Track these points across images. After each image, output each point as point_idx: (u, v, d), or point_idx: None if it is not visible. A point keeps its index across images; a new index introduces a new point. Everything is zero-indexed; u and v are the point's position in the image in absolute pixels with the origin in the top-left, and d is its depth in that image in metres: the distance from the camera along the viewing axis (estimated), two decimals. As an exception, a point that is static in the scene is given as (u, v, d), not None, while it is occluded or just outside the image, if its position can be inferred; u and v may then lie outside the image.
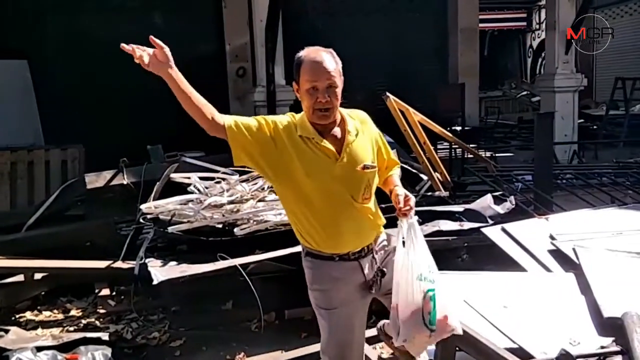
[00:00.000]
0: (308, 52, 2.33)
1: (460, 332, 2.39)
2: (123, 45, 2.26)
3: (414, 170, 5.70)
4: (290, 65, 8.16)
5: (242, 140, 2.27)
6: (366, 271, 2.45)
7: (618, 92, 11.78)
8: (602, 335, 3.47)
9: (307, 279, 2.54)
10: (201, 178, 5.36)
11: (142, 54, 2.24)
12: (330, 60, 2.31)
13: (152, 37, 2.24)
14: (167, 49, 2.24)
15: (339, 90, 2.31)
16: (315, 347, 3.41)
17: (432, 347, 3.38)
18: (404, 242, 2.30)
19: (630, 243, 4.50)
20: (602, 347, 3.33)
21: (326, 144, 2.33)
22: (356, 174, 2.35)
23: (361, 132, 2.43)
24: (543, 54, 14.20)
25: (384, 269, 2.46)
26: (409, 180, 5.58)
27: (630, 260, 4.17)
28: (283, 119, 2.37)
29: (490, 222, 5.00)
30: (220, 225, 4.68)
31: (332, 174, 2.32)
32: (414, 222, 2.31)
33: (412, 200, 2.36)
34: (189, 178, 5.34)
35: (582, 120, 11.35)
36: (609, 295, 3.69)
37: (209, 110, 2.34)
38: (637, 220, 5.02)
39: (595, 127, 12.17)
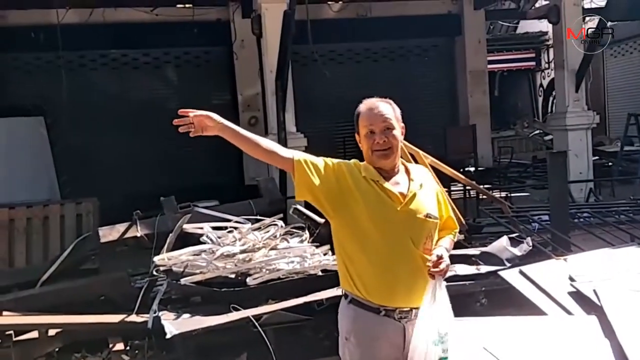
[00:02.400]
0: (365, 102, 2.49)
1: None
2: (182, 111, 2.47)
3: (427, 214, 5.65)
4: (300, 113, 8.28)
5: (308, 176, 2.34)
6: (408, 335, 2.34)
7: (631, 128, 11.72)
8: (628, 381, 3.35)
9: (343, 329, 2.44)
10: (213, 228, 5.36)
11: (195, 127, 2.41)
12: (386, 106, 2.46)
13: (180, 110, 2.42)
14: (209, 114, 2.40)
15: (396, 133, 2.43)
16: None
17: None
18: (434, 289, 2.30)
19: (653, 283, 4.38)
20: (630, 394, 3.21)
21: (390, 187, 2.40)
22: (418, 221, 2.37)
23: (425, 183, 2.49)
24: (554, 93, 14.23)
25: None
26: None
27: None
28: (347, 162, 2.48)
29: (508, 264, 4.92)
30: (232, 275, 4.65)
31: (395, 217, 2.35)
32: (440, 285, 2.29)
33: (445, 264, 2.33)
34: (201, 228, 5.34)
35: (596, 158, 11.27)
36: (635, 339, 3.57)
37: (273, 148, 2.43)
38: (658, 258, 4.91)
39: (610, 163, 12.07)
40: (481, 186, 8.58)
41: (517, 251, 5.11)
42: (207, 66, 9.70)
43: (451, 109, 11.46)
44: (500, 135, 15.74)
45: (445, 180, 7.66)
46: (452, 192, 8.56)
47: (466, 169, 9.92)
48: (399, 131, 2.44)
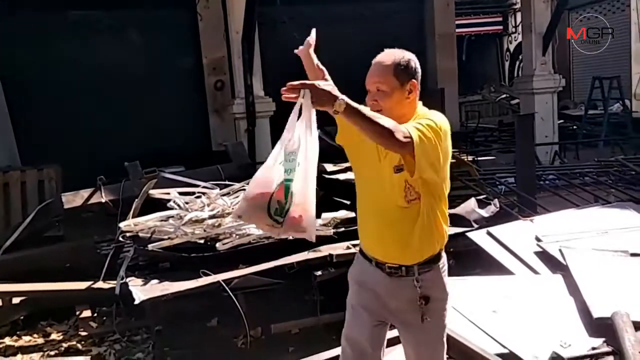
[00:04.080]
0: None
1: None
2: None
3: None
4: (268, 76, 8.10)
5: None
6: (394, 292, 2.31)
7: (596, 92, 11.89)
8: (592, 336, 3.44)
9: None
10: (181, 193, 5.27)
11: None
12: (383, 64, 2.26)
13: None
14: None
15: (387, 94, 2.23)
16: (303, 362, 3.33)
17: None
18: (299, 116, 2.02)
19: (616, 242, 4.49)
20: (593, 348, 3.30)
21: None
22: (393, 177, 2.23)
23: None
24: (520, 57, 14.30)
25: (428, 296, 2.28)
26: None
27: (617, 259, 4.16)
28: None
29: (475, 226, 4.98)
30: (201, 241, 4.60)
31: (374, 170, 2.30)
32: (307, 104, 1.98)
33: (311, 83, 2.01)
34: (168, 194, 5.25)
35: (561, 121, 11.43)
36: (598, 296, 3.66)
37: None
38: (622, 218, 5.02)
39: (575, 127, 12.27)
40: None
41: (484, 213, 5.17)
42: (170, 28, 9.39)
43: (421, 73, 11.42)
44: (467, 100, 15.83)
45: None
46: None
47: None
48: (395, 91, 2.23)
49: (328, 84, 2.05)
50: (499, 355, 3.03)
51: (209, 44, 9.12)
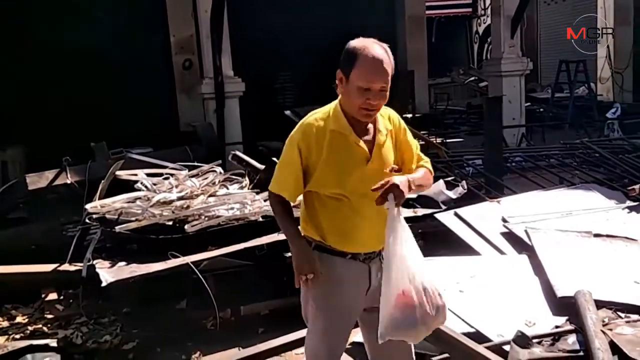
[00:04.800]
0: (366, 46, 2.20)
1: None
2: None
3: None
4: (237, 56, 7.99)
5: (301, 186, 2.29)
6: (373, 276, 2.33)
7: (562, 75, 12.07)
8: (556, 314, 3.52)
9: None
10: (148, 174, 5.19)
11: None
12: (388, 62, 2.20)
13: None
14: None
15: (387, 93, 2.21)
16: (272, 344, 3.34)
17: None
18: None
19: (580, 223, 4.59)
20: (557, 327, 3.38)
21: (360, 143, 2.25)
22: (384, 175, 2.21)
23: (389, 130, 2.35)
24: (489, 40, 14.40)
25: None
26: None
27: (581, 240, 4.26)
28: (308, 130, 2.24)
29: (443, 207, 5.04)
30: (170, 223, 4.55)
31: (363, 175, 2.23)
32: (392, 210, 2.14)
33: (392, 183, 2.13)
34: (135, 175, 5.17)
35: (528, 104, 11.58)
36: (562, 275, 3.75)
37: (288, 208, 2.35)
38: (586, 200, 5.14)
39: (541, 109, 12.45)
40: (418, 132, 8.68)
41: (452, 194, 5.23)
42: (136, 6, 9.17)
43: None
44: (436, 82, 15.91)
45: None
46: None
47: (404, 115, 9.98)
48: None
49: (402, 180, 2.17)
50: (465, 334, 3.08)
51: (177, 22, 8.93)
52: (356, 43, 2.22)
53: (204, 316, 4.35)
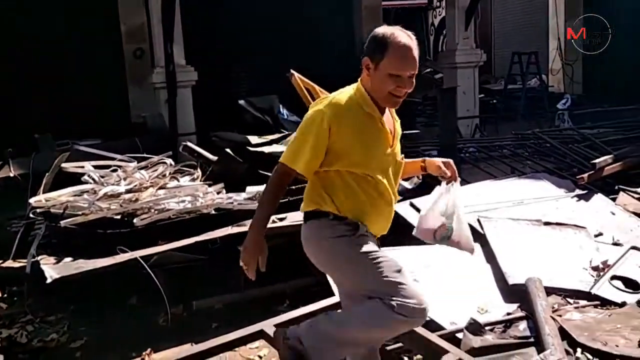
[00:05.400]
0: (396, 34, 2.25)
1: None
2: None
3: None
4: (190, 45, 7.77)
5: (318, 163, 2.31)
6: None
7: (515, 67, 12.28)
8: (508, 302, 3.56)
9: (347, 234, 2.34)
10: (95, 167, 5.04)
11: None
12: (416, 49, 2.28)
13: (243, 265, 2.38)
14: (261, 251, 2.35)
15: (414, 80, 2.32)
16: (226, 338, 3.26)
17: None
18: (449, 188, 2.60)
19: (531, 211, 4.66)
20: (508, 314, 3.42)
21: (386, 127, 2.37)
22: (398, 163, 2.46)
23: (398, 121, 2.51)
24: (444, 31, 14.54)
25: None
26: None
27: (531, 228, 4.32)
28: (340, 107, 2.29)
29: (399, 197, 5.02)
30: (118, 217, 4.42)
31: (385, 158, 2.37)
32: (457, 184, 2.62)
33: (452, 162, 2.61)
34: (82, 167, 5.00)
35: (482, 95, 11.73)
36: (513, 263, 3.79)
37: (284, 187, 2.39)
38: (536, 189, 5.22)
39: (495, 101, 12.65)
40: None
41: (407, 185, 5.24)
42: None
43: (348, 45, 11.35)
44: (393, 73, 15.95)
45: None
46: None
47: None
48: None
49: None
50: (419, 324, 3.08)
51: (127, 10, 8.67)
52: (384, 31, 2.28)
53: (155, 312, 4.24)
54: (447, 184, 2.61)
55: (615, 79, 10.96)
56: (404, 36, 2.25)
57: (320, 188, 2.36)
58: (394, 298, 2.18)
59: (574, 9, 12.45)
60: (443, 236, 2.68)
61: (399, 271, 2.27)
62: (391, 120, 2.43)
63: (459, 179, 2.63)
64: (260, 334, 3.12)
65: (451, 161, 2.60)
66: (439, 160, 2.61)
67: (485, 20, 16.31)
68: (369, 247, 2.32)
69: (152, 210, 4.47)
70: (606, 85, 11.07)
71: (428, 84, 14.53)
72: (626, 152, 6.32)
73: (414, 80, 2.30)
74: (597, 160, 5.82)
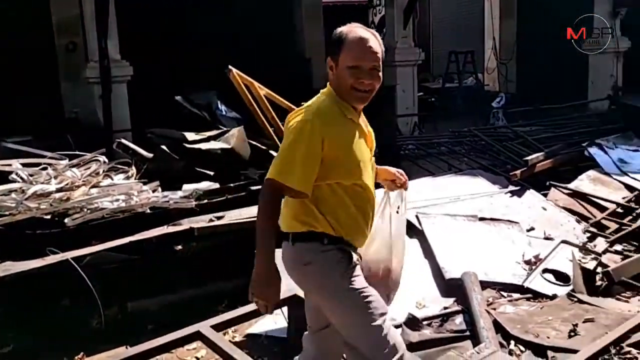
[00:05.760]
0: (352, 29, 2.20)
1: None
2: None
3: (263, 147, 5.57)
4: (125, 39, 7.54)
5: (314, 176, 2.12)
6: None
7: (452, 66, 12.54)
8: (445, 296, 3.63)
9: (342, 263, 2.17)
10: (24, 164, 4.82)
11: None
12: (376, 42, 2.20)
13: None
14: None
15: (380, 74, 2.21)
16: (162, 340, 3.18)
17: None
18: (397, 210, 2.47)
19: (467, 207, 4.77)
20: (445, 308, 3.48)
21: (367, 136, 2.28)
22: (373, 163, 2.34)
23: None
24: (384, 30, 14.70)
25: None
26: (259, 157, 5.44)
27: (467, 224, 4.42)
28: (329, 117, 2.14)
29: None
30: (48, 217, 4.24)
31: (369, 165, 2.27)
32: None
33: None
34: (9, 165, 4.77)
35: (421, 93, 11.93)
36: (450, 258, 3.86)
37: (278, 206, 2.15)
38: (472, 185, 5.35)
39: (433, 99, 12.89)
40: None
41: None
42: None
43: (288, 42, 11.31)
44: (335, 71, 16.01)
45: (282, 114, 7.60)
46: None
47: (302, 103, 9.92)
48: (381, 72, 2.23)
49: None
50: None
51: (59, 1, 8.33)
52: (342, 28, 2.23)
53: (88, 315, 4.10)
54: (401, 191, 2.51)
55: (546, 78, 11.38)
56: (361, 30, 2.21)
57: (311, 205, 2.15)
58: (376, 357, 2.12)
59: (510, 11, 12.84)
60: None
61: (383, 314, 2.16)
62: (364, 123, 2.31)
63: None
64: (198, 335, 3.06)
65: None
66: (392, 169, 2.51)
67: (424, 19, 16.61)
68: (359, 282, 2.18)
69: (85, 210, 4.34)
70: (538, 84, 11.46)
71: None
72: (556, 149, 6.58)
73: (380, 75, 2.20)
74: (529, 158, 6.02)
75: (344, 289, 2.15)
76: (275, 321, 3.56)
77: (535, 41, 11.79)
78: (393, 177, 2.49)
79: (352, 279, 2.16)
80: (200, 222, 4.28)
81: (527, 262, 4.12)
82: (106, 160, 5.17)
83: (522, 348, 3.11)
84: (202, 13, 9.62)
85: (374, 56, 2.17)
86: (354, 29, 2.20)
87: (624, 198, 5.50)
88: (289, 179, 2.05)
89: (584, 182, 5.74)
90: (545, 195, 5.41)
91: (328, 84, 2.26)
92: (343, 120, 2.18)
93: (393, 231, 2.44)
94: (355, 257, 2.21)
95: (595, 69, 10.09)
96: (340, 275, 2.15)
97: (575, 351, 2.92)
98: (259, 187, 4.85)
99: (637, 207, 5.20)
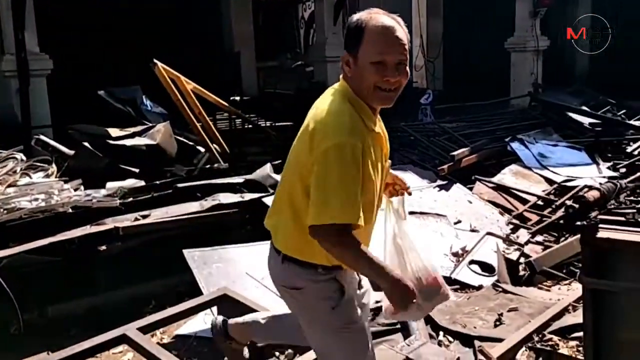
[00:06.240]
0: (373, 16, 1.85)
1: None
2: None
3: (190, 143, 5.46)
4: (44, 31, 7.18)
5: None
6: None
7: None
8: (375, 290, 3.63)
9: (333, 297, 1.95)
10: None
11: None
12: (402, 30, 1.86)
13: None
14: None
15: (408, 69, 1.88)
16: (86, 345, 3.05)
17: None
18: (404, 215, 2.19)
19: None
20: (377, 302, 3.50)
21: (383, 141, 1.95)
22: (386, 169, 2.03)
23: None
24: (314, 25, 14.73)
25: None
26: (186, 153, 5.33)
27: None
28: (359, 132, 1.80)
29: (271, 191, 5.00)
30: (-42, 218, 3.98)
31: (383, 178, 1.97)
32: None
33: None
34: None
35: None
36: (380, 252, 3.88)
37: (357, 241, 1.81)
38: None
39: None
40: (246, 115, 8.60)
41: (279, 177, 5.21)
42: None
43: (214, 35, 11.13)
44: (265, 65, 15.92)
45: (212, 109, 7.48)
46: (217, 121, 8.43)
47: (233, 98, 9.83)
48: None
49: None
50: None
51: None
52: (359, 15, 1.89)
53: (6, 320, 3.88)
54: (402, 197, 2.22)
55: (471, 75, 11.73)
56: (384, 16, 1.87)
57: (307, 233, 1.83)
58: None
59: (436, 9, 13.15)
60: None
61: (366, 356, 2.02)
62: (380, 125, 1.98)
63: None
64: (123, 338, 2.96)
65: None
66: (393, 173, 2.22)
67: (354, 13, 16.72)
68: (349, 316, 1.98)
69: (1, 210, 4.10)
70: (464, 82, 11.80)
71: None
72: (481, 144, 6.79)
73: (408, 70, 1.88)
74: (455, 153, 6.19)
75: (331, 328, 1.97)
76: (205, 321, 3.48)
77: (461, 40, 12.14)
78: (394, 182, 2.20)
79: (342, 316, 1.95)
80: (124, 221, 4.15)
81: (455, 254, 4.22)
82: (24, 158, 4.94)
83: (451, 338, 3.18)
84: (126, 4, 9.31)
85: (401, 48, 1.84)
86: (374, 16, 1.85)
87: (544, 191, 5.75)
88: (351, 215, 1.73)
89: (507, 176, 5.95)
90: (471, 189, 5.57)
91: (342, 79, 1.94)
92: (367, 133, 1.84)
93: (404, 242, 2.14)
94: (349, 288, 1.99)
95: (516, 67, 10.49)
96: (329, 312, 1.94)
97: (500, 340, 3.01)
98: (186, 184, 4.78)
99: (556, 199, 5.44)
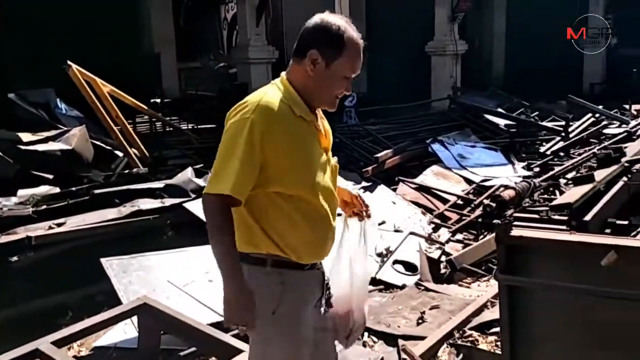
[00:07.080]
0: (350, 31, 1.87)
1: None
2: None
3: (107, 147, 5.27)
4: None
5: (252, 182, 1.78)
6: (324, 285, 2.00)
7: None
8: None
9: (271, 300, 1.85)
10: None
11: None
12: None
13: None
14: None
15: None
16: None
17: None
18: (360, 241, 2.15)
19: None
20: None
21: (321, 134, 1.93)
22: (333, 167, 1.98)
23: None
24: (237, 27, 14.61)
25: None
26: (103, 158, 5.14)
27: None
28: (272, 113, 1.78)
29: (193, 196, 4.90)
30: None
31: (325, 170, 1.92)
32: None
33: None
34: None
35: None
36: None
37: (227, 217, 1.79)
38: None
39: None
40: (167, 118, 8.41)
41: (202, 182, 5.13)
42: None
43: (132, 35, 10.78)
44: (187, 67, 15.62)
45: (128, 112, 7.24)
46: (137, 124, 8.18)
47: (153, 100, 9.56)
48: None
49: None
50: (214, 324, 3.00)
51: None
52: (336, 20, 1.88)
53: None
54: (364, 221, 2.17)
55: (394, 78, 11.98)
56: (356, 32, 1.90)
57: (250, 220, 1.84)
58: None
59: (358, 12, 13.34)
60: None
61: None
62: (320, 120, 1.98)
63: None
64: (36, 353, 2.79)
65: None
66: (350, 190, 2.20)
67: (277, 18, 16.73)
68: (290, 329, 1.87)
69: None
70: (387, 84, 12.03)
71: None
72: (404, 146, 6.94)
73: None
74: (379, 155, 6.29)
75: (271, 334, 1.87)
76: (125, 331, 3.36)
77: (383, 43, 12.37)
78: (349, 200, 2.17)
79: (284, 324, 1.86)
80: (38, 229, 3.94)
81: (379, 255, 4.28)
82: None
83: (375, 339, 3.21)
84: (38, 4, 8.87)
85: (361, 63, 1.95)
86: (351, 32, 1.88)
87: (463, 190, 5.95)
88: (224, 186, 1.73)
89: (428, 177, 6.11)
90: (395, 190, 5.68)
91: (285, 75, 1.92)
92: (290, 119, 1.84)
93: (354, 267, 2.09)
94: (299, 285, 1.89)
95: (436, 70, 10.82)
96: (270, 314, 1.84)
97: (423, 338, 3.08)
98: (103, 190, 4.61)
99: (475, 198, 5.63)
